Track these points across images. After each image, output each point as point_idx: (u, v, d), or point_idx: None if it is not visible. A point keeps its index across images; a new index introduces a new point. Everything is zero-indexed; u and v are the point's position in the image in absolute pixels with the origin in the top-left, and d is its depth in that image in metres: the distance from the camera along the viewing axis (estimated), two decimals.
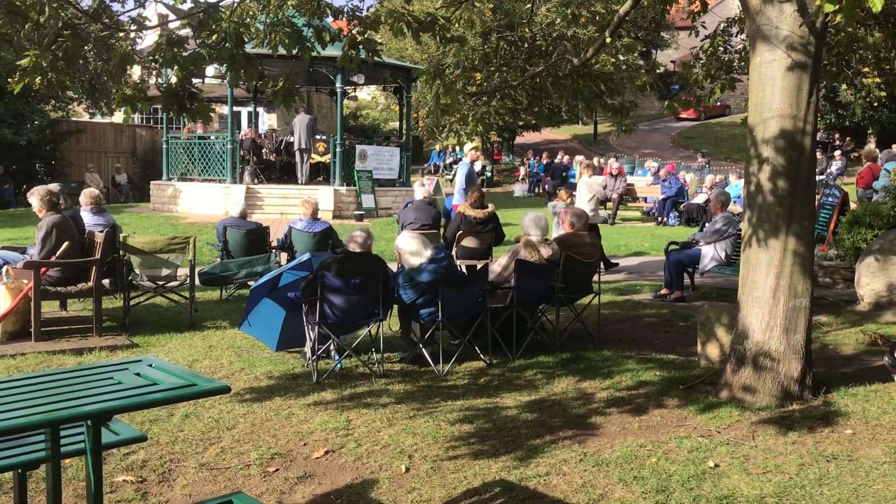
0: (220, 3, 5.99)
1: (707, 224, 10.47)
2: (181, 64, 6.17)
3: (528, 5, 9.81)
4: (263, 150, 21.09)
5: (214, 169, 19.50)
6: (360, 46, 6.01)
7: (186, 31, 6.44)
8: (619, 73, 9.62)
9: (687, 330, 8.08)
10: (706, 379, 5.89)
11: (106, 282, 7.79)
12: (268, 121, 32.05)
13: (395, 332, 6.90)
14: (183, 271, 8.04)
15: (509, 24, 8.97)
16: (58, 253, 6.95)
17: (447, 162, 31.13)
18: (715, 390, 5.62)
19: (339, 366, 6.16)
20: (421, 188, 10.45)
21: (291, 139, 20.87)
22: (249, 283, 9.16)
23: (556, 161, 25.75)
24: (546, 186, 24.90)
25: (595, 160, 26.06)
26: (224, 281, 8.77)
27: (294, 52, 6.58)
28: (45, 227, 6.95)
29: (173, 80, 5.98)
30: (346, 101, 30.83)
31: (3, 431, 2.47)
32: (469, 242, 9.34)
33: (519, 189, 26.79)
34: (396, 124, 38.02)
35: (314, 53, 6.69)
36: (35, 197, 7.12)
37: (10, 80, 5.83)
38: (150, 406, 2.97)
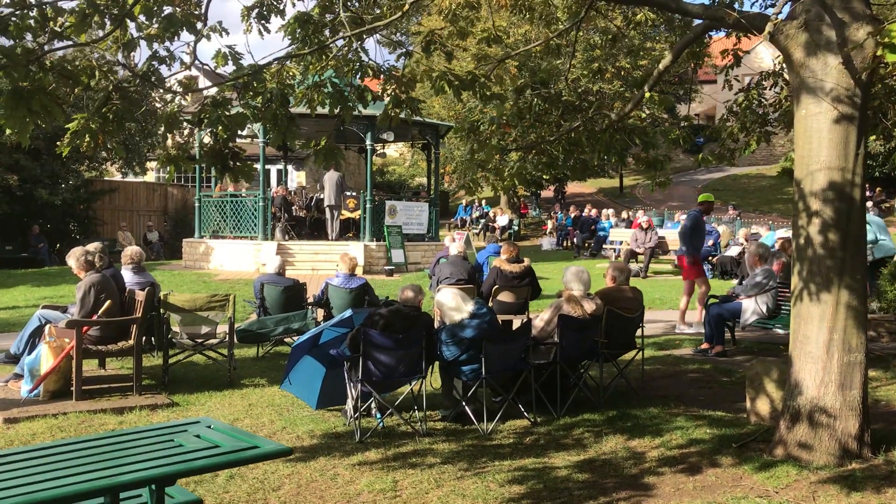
0: (263, 65, 6.10)
1: (745, 277, 10.33)
2: (225, 124, 6.26)
3: (560, 61, 9.94)
4: (294, 207, 21.30)
5: (246, 226, 19.69)
6: (404, 105, 6.06)
7: (229, 92, 6.56)
8: (652, 128, 9.65)
9: (731, 386, 7.92)
10: (759, 436, 5.73)
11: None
12: (297, 178, 32.49)
13: (436, 389, 6.82)
14: (222, 328, 8.05)
15: (542, 80, 9.06)
16: (99, 312, 6.99)
17: (473, 216, 31.25)
18: (769, 448, 5.46)
19: (381, 424, 6.08)
20: (454, 243, 10.45)
21: (321, 196, 21.09)
22: (286, 339, 9.17)
23: (584, 214, 25.73)
24: (574, 240, 24.85)
25: (623, 213, 26.02)
26: (261, 338, 8.76)
27: (336, 110, 6.66)
28: (84, 286, 7.00)
29: (207, 139, 6.06)
30: (374, 158, 31.23)
31: (64, 499, 2.42)
32: (505, 297, 9.28)
33: (547, 242, 26.75)
34: (422, 179, 38.42)
35: (354, 112, 6.78)
36: (72, 259, 7.21)
37: (58, 143, 5.94)
38: (215, 469, 2.92)
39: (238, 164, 6.70)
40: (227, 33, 7.10)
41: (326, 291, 9.08)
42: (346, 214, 20.01)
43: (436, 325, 6.41)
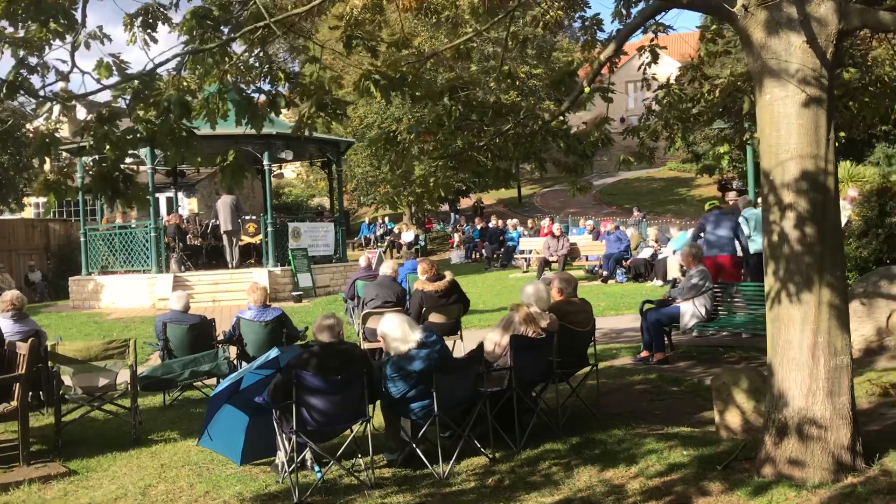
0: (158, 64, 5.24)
1: (680, 280, 10.03)
2: (114, 143, 5.36)
3: (475, 67, 9.41)
4: (188, 236, 20.01)
5: (138, 259, 18.30)
6: (329, 107, 5.31)
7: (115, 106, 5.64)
8: (576, 134, 9.24)
9: (684, 396, 7.51)
10: (740, 454, 5.24)
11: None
12: (188, 205, 30.92)
13: (378, 429, 6.05)
14: (123, 377, 7.04)
15: (460, 85, 8.48)
16: None
17: (378, 234, 30.50)
18: (755, 467, 4.97)
19: (320, 478, 5.26)
20: (386, 262, 9.74)
21: (216, 222, 19.88)
22: (195, 384, 8.21)
23: (491, 225, 25.38)
24: (483, 251, 24.44)
25: (530, 223, 25.83)
26: (167, 384, 7.77)
27: (245, 122, 5.86)
28: None
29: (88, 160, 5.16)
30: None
31: None
32: (436, 318, 8.60)
33: (456, 256, 26.27)
34: (321, 199, 37.33)
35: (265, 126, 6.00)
36: None
37: None
38: None
39: (130, 188, 5.78)
40: (110, 40, 6.17)
41: (238, 326, 8.17)
42: (246, 240, 18.91)
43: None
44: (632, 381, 8.16)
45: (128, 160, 17.04)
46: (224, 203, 18.58)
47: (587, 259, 19.29)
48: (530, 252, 20.78)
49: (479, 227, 26.37)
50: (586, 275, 19.21)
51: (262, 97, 5.83)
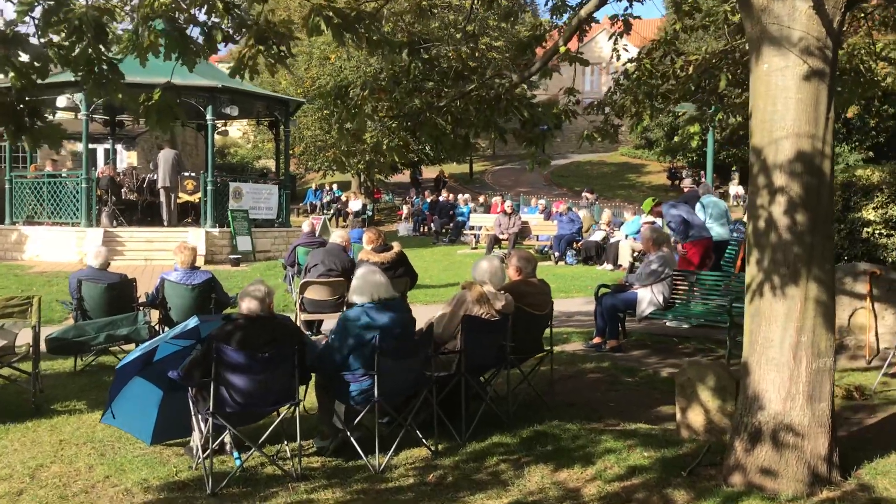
0: None
1: (639, 264, 9.60)
2: (18, 69, 4.60)
3: (435, 24, 8.75)
4: (123, 190, 18.92)
5: (67, 211, 17.24)
6: (272, 44, 4.62)
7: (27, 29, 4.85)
8: (541, 103, 8.69)
9: (639, 388, 7.07)
10: (704, 458, 4.79)
11: None
12: (127, 158, 29.56)
13: (308, 410, 5.45)
14: (24, 339, 6.29)
15: (420, 41, 7.82)
16: None
17: (325, 201, 29.64)
18: (723, 474, 4.52)
19: (240, 466, 4.64)
20: (337, 231, 9.09)
21: (154, 177, 18.87)
22: (111, 348, 7.48)
23: (441, 199, 24.78)
24: (432, 225, 23.86)
25: (481, 199, 25.32)
26: (79, 348, 7.03)
27: (175, 57, 5.14)
28: None
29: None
30: (214, 136, 28.87)
31: None
32: None
33: (403, 228, 25.63)
34: (267, 162, 36.17)
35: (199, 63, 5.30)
36: None
37: None
38: None
39: (38, 122, 5.02)
40: None
41: (162, 289, 7.44)
42: (185, 198, 17.95)
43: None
44: (584, 368, 7.70)
45: (63, 103, 15.80)
46: (165, 157, 17.61)
47: (538, 239, 18.86)
48: (480, 228, 20.28)
49: (429, 199, 25.75)
50: (536, 255, 18.81)
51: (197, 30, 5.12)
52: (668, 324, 9.35)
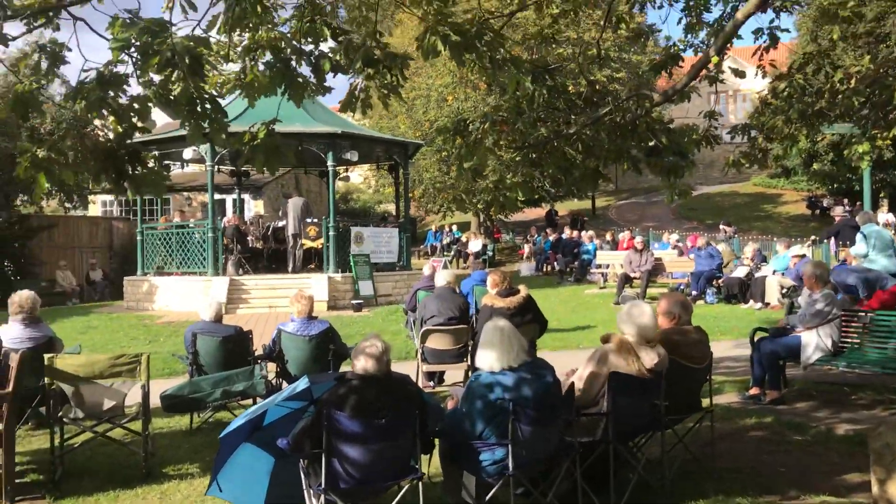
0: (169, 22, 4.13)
1: (800, 304, 8.53)
2: (116, 112, 4.28)
3: (560, 49, 8.15)
4: (249, 238, 19.19)
5: (194, 261, 17.54)
6: (382, 68, 4.11)
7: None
8: (680, 128, 7.87)
9: (810, 447, 6.09)
10: None
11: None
12: (254, 208, 30.31)
13: (433, 477, 4.80)
14: (136, 397, 5.97)
15: (545, 68, 7.18)
16: None
17: (444, 242, 29.34)
18: None
19: None
20: (441, 272, 8.50)
21: (280, 224, 19.07)
22: (229, 404, 7.13)
23: (564, 237, 23.92)
24: (556, 264, 23.01)
25: (608, 235, 24.31)
26: (195, 405, 6.70)
27: (280, 91, 4.73)
28: None
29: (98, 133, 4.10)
30: (336, 183, 29.26)
31: None
32: None
33: (525, 268, 24.89)
34: (389, 206, 36.39)
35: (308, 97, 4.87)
36: None
37: None
38: None
39: (141, 168, 4.69)
40: None
41: (279, 341, 7.05)
42: (308, 244, 17.95)
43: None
44: (745, 424, 6.75)
45: (189, 155, 15.97)
46: (294, 204, 17.84)
47: (672, 276, 17.74)
48: (608, 266, 19.31)
49: (551, 238, 24.94)
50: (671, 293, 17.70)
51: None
52: (833, 370, 8.21)
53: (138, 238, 18.83)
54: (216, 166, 19.77)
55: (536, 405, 4.06)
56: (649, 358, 4.61)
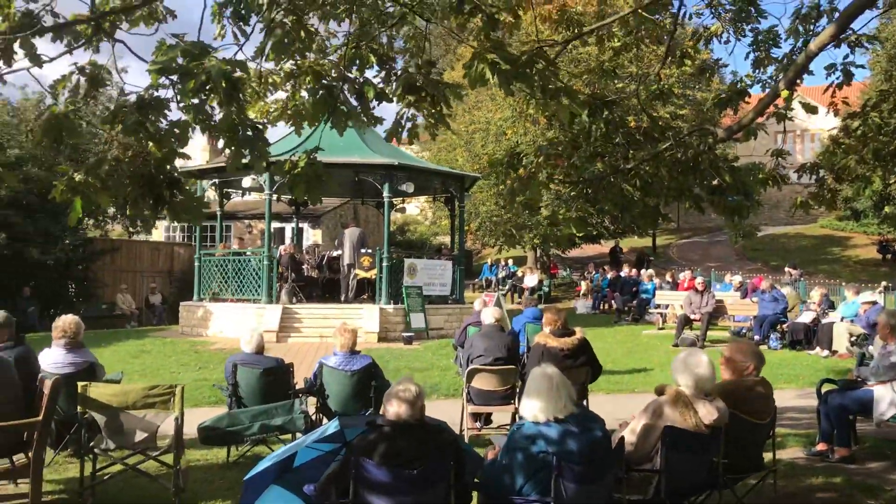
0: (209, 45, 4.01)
1: (872, 354, 8.00)
2: (153, 136, 4.16)
3: (620, 83, 7.87)
4: (304, 267, 19.22)
5: (249, 288, 17.61)
6: (425, 92, 3.91)
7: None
8: (746, 166, 7.52)
9: None
10: None
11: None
12: (312, 237, 30.52)
13: None
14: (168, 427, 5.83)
15: (603, 101, 6.92)
16: None
17: (499, 276, 29.01)
18: None
19: None
20: (487, 308, 8.21)
21: (336, 254, 19.07)
22: (267, 439, 6.94)
23: (623, 274, 23.38)
24: (613, 303, 22.48)
25: (668, 275, 23.70)
26: (232, 438, 6.54)
27: (323, 119, 4.57)
28: None
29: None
30: (393, 215, 29.25)
31: None
32: None
33: (582, 305, 24.37)
34: (445, 238, 36.32)
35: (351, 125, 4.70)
36: None
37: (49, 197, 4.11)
38: None
39: (179, 195, 4.56)
40: (174, 16, 5.08)
41: (320, 374, 6.86)
42: (361, 274, 17.87)
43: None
44: (810, 484, 6.27)
45: (248, 184, 16.02)
46: (350, 235, 17.86)
47: (734, 319, 17.10)
48: (667, 307, 18.73)
49: (609, 275, 24.41)
50: (731, 337, 17.05)
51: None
52: None
53: (196, 264, 19.03)
54: (275, 195, 19.95)
55: (583, 460, 3.75)
56: (707, 413, 4.25)
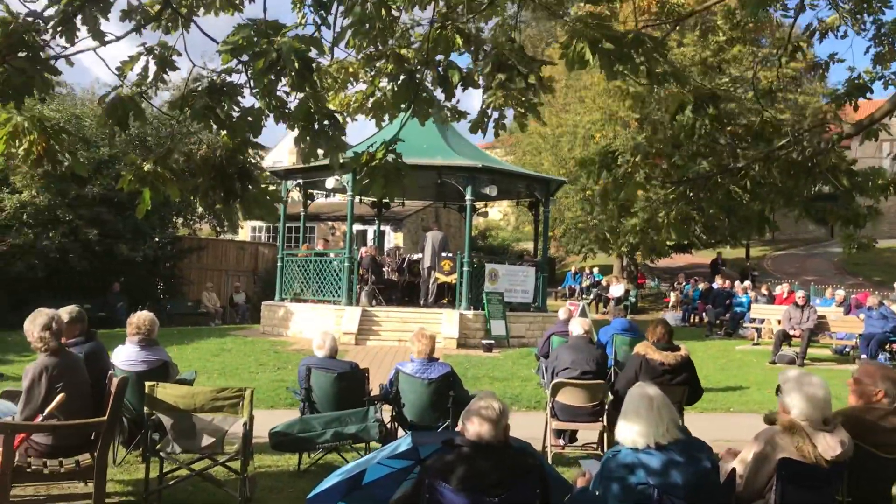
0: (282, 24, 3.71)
1: None
2: (223, 122, 3.88)
3: (726, 80, 7.31)
4: (385, 269, 19.05)
5: (330, 289, 17.53)
6: (516, 74, 3.51)
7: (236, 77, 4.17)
8: (867, 170, 6.84)
9: None
10: None
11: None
12: (394, 240, 30.49)
13: None
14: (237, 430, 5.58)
15: (709, 95, 6.37)
16: (46, 410, 4.66)
17: (584, 285, 28.29)
18: None
19: None
20: (576, 319, 7.74)
21: (416, 257, 18.86)
22: (340, 447, 6.64)
23: (715, 286, 22.37)
24: (705, 315, 21.53)
25: (764, 288, 22.59)
26: (304, 445, 6.26)
27: (404, 108, 4.23)
28: (32, 372, 4.71)
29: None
30: (475, 219, 28.93)
31: None
32: None
33: (671, 317, 23.45)
34: (527, 245, 35.75)
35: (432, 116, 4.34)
36: (30, 327, 4.89)
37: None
38: None
39: (252, 188, 4.28)
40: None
41: (396, 381, 6.53)
42: (441, 278, 17.55)
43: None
44: None
45: (331, 185, 15.87)
46: (433, 238, 17.61)
47: (835, 337, 16.06)
48: (763, 321, 17.77)
49: (700, 286, 23.42)
50: (834, 356, 16.01)
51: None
52: None
53: (279, 264, 19.10)
54: (358, 196, 19.86)
55: (689, 495, 3.28)
56: (828, 446, 3.69)
